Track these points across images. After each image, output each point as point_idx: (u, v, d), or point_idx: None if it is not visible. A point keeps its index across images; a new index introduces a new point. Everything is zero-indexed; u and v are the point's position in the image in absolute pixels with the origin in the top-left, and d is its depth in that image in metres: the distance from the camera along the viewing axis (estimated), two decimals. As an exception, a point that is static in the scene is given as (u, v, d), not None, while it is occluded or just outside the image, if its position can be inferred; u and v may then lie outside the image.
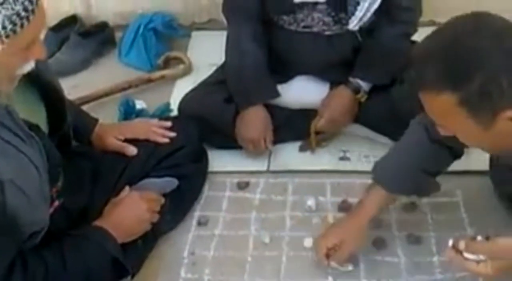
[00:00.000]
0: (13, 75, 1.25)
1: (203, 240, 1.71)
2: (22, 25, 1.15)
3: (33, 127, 1.33)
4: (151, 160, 1.71)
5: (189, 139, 1.79)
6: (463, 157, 1.75)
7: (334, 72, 1.90)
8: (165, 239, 1.72)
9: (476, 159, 1.75)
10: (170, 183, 1.73)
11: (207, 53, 2.36)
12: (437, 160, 1.53)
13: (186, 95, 1.99)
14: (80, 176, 1.61)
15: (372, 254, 1.62)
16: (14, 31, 1.14)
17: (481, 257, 1.17)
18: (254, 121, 1.87)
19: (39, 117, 1.44)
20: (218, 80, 1.97)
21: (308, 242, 1.67)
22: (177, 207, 1.76)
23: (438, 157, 1.52)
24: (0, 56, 1.16)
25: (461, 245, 1.19)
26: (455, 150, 1.52)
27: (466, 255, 1.18)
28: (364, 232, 1.56)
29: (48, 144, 1.38)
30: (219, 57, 2.02)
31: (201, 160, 1.87)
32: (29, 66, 1.26)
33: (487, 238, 1.17)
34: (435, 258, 1.59)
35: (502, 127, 1.14)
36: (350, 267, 1.58)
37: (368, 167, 1.86)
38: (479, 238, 1.18)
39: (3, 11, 1.13)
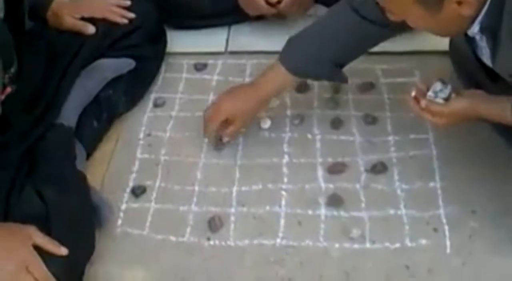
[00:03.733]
0: None
1: (159, 122, 1.70)
2: None
3: None
4: (107, 40, 1.66)
5: (146, 19, 1.73)
6: (421, 37, 1.73)
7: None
8: (121, 120, 1.70)
9: (435, 39, 1.72)
10: (125, 63, 1.69)
11: None
12: (366, 38, 1.50)
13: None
14: (34, 58, 1.55)
15: (328, 133, 1.63)
16: None
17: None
18: None
19: None
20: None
21: (264, 123, 1.66)
22: (133, 89, 1.73)
23: (367, 34, 1.48)
24: None
25: (423, 103, 1.30)
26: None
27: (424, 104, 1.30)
28: (255, 112, 1.55)
29: (1, 27, 1.31)
30: None
31: (160, 41, 1.81)
32: None
33: (446, 99, 1.28)
34: (390, 138, 1.60)
35: (450, 11, 1.15)
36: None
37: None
38: (438, 100, 1.29)
39: None
